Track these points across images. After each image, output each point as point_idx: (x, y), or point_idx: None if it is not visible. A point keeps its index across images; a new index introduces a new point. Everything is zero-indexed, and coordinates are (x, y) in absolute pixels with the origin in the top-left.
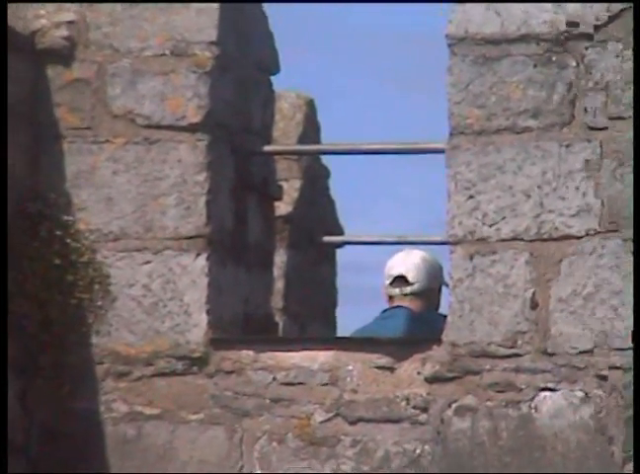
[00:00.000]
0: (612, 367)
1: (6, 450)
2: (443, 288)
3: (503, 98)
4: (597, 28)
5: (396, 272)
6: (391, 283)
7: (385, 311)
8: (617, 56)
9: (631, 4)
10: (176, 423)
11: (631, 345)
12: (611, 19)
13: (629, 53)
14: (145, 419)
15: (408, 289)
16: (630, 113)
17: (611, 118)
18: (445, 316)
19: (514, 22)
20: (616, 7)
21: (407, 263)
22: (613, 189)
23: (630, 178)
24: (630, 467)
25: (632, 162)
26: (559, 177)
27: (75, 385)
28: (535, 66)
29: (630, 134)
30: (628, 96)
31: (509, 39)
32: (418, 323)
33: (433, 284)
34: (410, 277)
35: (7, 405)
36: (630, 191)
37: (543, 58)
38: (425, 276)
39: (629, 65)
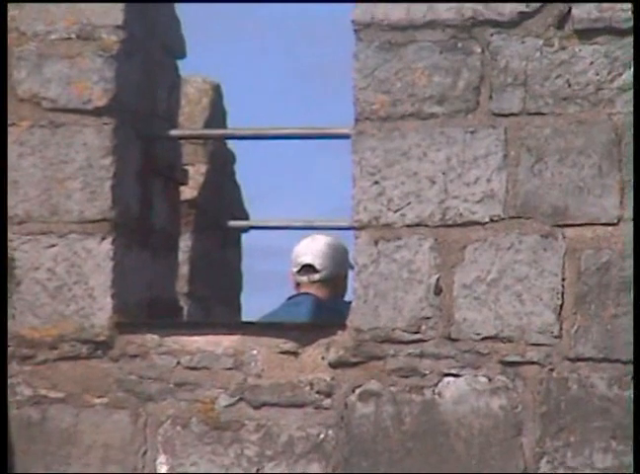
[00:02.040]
0: (528, 362)
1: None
2: (350, 274)
3: (408, 84)
4: (511, 22)
5: (303, 260)
6: (298, 271)
7: (291, 298)
8: (523, 43)
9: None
10: (80, 406)
11: (550, 341)
12: (529, 14)
13: (550, 49)
14: (49, 402)
15: (316, 277)
16: (549, 109)
17: (530, 114)
18: (351, 303)
19: (419, 8)
20: (535, 5)
21: (314, 250)
22: (520, 176)
23: (548, 174)
24: (544, 463)
25: (551, 158)
26: (464, 163)
27: None
28: (441, 52)
29: (548, 131)
30: (547, 91)
31: (414, 26)
32: (323, 311)
33: (339, 271)
34: (317, 265)
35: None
36: (548, 186)
37: (449, 44)
38: (332, 264)
39: (549, 60)
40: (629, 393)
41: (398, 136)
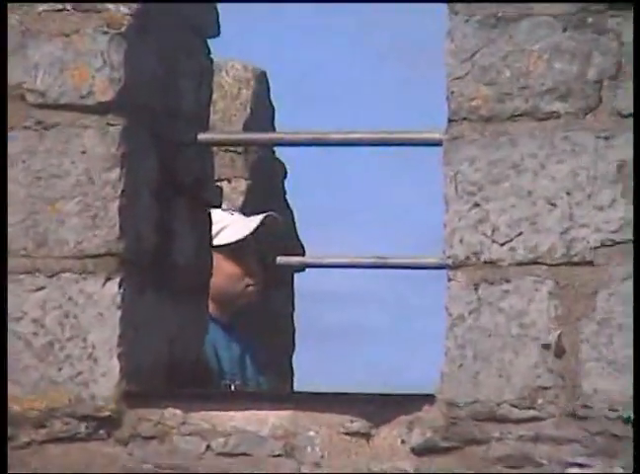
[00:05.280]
0: None
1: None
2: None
3: (520, 72)
4: None
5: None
6: None
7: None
8: None
9: None
10: None
11: None
12: None
13: None
14: None
15: None
16: None
17: None
18: None
19: None
20: None
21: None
22: None
23: None
24: None
25: None
26: (595, 179)
27: None
28: (565, 30)
29: None
30: None
31: None
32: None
33: None
34: None
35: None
36: None
37: (576, 20)
38: None
39: None
40: None
41: (506, 143)
